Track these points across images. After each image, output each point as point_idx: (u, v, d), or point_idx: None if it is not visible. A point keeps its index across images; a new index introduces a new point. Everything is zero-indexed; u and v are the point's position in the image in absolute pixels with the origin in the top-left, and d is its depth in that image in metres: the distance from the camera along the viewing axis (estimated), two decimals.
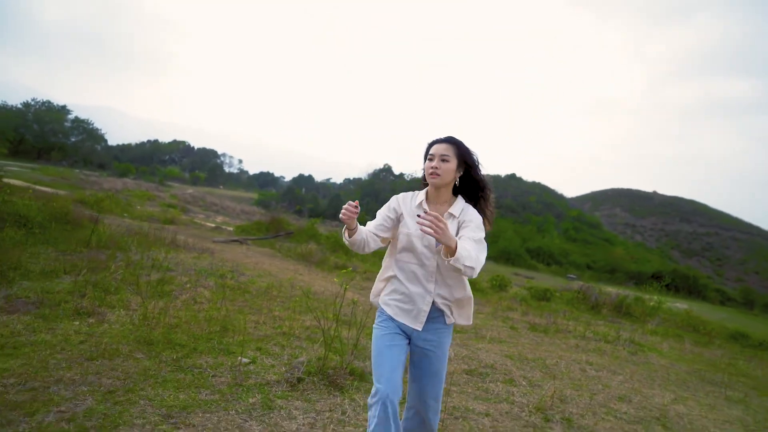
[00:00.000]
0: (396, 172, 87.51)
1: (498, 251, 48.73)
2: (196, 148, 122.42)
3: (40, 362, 2.97)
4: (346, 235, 2.06)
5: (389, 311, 2.16)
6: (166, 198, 35.50)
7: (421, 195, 2.23)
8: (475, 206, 2.21)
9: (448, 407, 3.30)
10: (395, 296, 2.16)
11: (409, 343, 2.15)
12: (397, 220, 2.20)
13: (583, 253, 67.26)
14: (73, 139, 79.90)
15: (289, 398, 3.05)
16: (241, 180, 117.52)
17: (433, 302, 2.12)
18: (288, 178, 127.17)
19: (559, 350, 6.04)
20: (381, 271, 2.27)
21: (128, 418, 2.48)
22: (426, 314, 2.11)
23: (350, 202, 1.98)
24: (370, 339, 2.17)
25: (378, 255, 7.90)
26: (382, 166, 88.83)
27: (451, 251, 1.82)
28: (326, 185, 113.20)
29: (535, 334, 7.01)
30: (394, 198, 2.25)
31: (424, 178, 2.22)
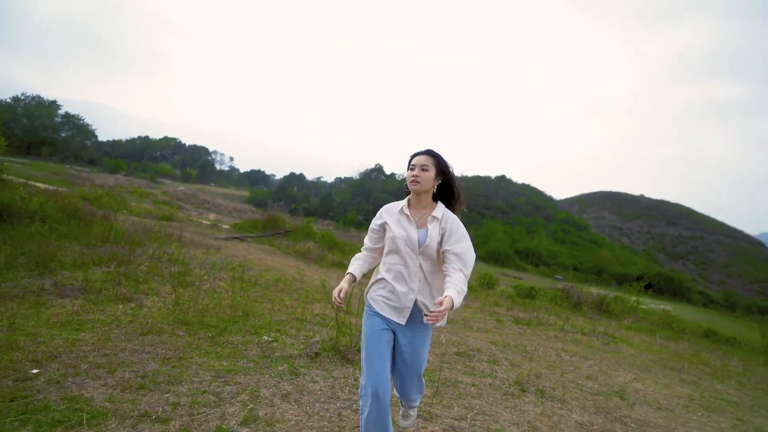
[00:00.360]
0: (388, 172, 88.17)
1: (487, 252, 49.55)
2: (187, 145, 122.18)
3: (103, 335, 3.58)
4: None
5: (376, 307, 2.36)
6: (159, 195, 35.81)
7: (403, 201, 2.43)
8: (449, 207, 2.43)
9: (441, 379, 3.95)
10: (383, 293, 2.36)
11: (395, 336, 2.37)
12: (383, 228, 2.43)
13: (571, 254, 68.26)
14: (63, 135, 79.61)
15: (310, 368, 3.68)
16: (232, 177, 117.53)
17: (416, 301, 2.30)
18: (279, 176, 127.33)
19: (539, 339, 6.72)
20: (373, 272, 2.50)
21: (187, 377, 3.10)
22: (409, 311, 2.30)
23: (335, 299, 2.25)
24: None
25: None
26: (373, 166, 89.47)
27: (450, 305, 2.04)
28: (317, 184, 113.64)
29: (519, 326, 7.69)
30: (380, 210, 2.48)
31: (406, 186, 2.41)
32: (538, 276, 40.13)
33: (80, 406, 2.50)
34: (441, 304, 1.97)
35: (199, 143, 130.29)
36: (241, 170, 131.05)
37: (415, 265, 2.30)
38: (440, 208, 2.37)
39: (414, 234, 2.30)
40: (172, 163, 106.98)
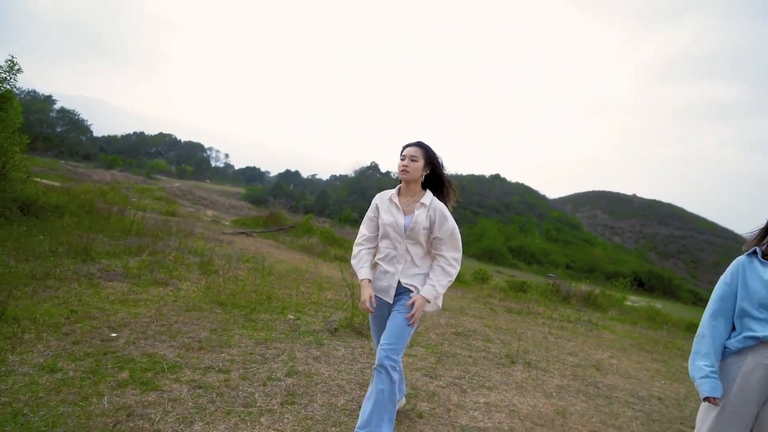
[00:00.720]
0: (383, 170, 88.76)
1: (481, 249, 50.30)
2: (182, 141, 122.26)
3: (157, 311, 4.21)
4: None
5: (372, 285, 2.55)
6: (156, 191, 36.26)
7: (393, 190, 2.62)
8: (439, 196, 2.60)
9: (442, 351, 4.61)
10: (377, 274, 2.57)
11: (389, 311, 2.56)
12: (378, 215, 2.62)
13: (564, 253, 69.11)
14: (58, 130, 79.58)
15: (332, 340, 4.32)
16: (228, 174, 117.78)
17: (399, 281, 2.49)
18: (274, 173, 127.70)
19: (528, 325, 7.39)
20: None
21: (234, 342, 3.74)
22: (394, 290, 2.50)
23: (366, 308, 2.43)
24: None
25: None
26: (369, 164, 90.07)
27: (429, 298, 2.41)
28: (312, 181, 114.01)
29: (510, 314, 8.36)
30: (374, 199, 2.66)
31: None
32: (531, 274, 40.87)
33: (158, 360, 3.13)
34: (412, 305, 2.37)
35: (195, 140, 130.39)
36: (236, 167, 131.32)
37: (402, 248, 2.50)
38: (428, 196, 2.54)
39: (401, 220, 2.50)
40: (168, 160, 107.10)
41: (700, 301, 54.18)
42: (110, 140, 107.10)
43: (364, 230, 2.64)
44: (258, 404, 2.75)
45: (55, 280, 4.59)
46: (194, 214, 21.81)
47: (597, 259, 66.59)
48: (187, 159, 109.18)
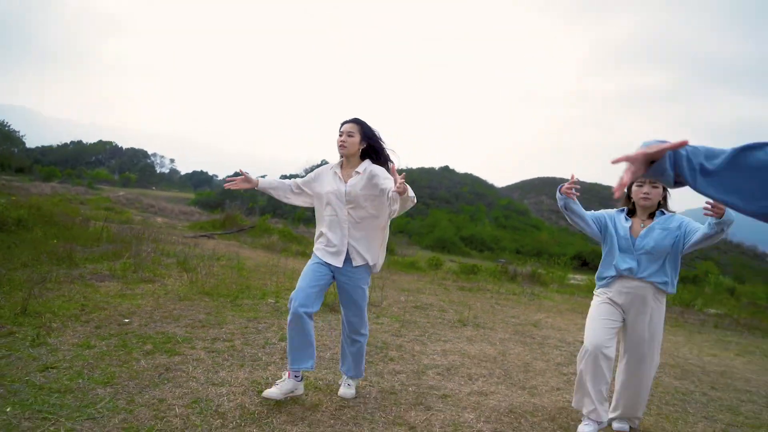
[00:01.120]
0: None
1: (434, 240, 51.63)
2: (124, 148, 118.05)
3: (154, 302, 4.79)
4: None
5: (319, 254, 2.75)
6: (99, 202, 35.35)
7: (335, 163, 2.83)
8: (377, 164, 2.76)
9: (403, 319, 5.40)
10: (323, 242, 2.75)
11: (334, 278, 2.74)
12: (309, 185, 2.85)
13: (513, 238, 71.50)
14: None
15: None
16: (174, 180, 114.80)
17: (348, 245, 2.68)
18: (221, 176, 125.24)
19: (479, 299, 8.32)
20: (315, 232, 2.86)
21: (228, 321, 4.40)
22: (344, 254, 2.68)
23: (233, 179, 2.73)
24: None
25: None
26: (319, 162, 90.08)
27: (401, 192, 2.35)
28: None
29: (462, 291, 9.29)
30: (316, 170, 2.90)
31: None
32: (482, 260, 42.47)
33: (171, 336, 3.77)
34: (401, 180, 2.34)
35: (137, 146, 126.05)
36: (182, 172, 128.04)
37: (344, 214, 2.69)
38: (363, 165, 2.74)
39: (342, 188, 2.71)
40: (109, 168, 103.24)
41: None
42: (45, 151, 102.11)
43: (298, 180, 2.92)
44: (263, 359, 3.46)
45: (53, 282, 5.06)
46: (146, 222, 21.77)
47: (544, 243, 69.34)
48: (130, 166, 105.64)
